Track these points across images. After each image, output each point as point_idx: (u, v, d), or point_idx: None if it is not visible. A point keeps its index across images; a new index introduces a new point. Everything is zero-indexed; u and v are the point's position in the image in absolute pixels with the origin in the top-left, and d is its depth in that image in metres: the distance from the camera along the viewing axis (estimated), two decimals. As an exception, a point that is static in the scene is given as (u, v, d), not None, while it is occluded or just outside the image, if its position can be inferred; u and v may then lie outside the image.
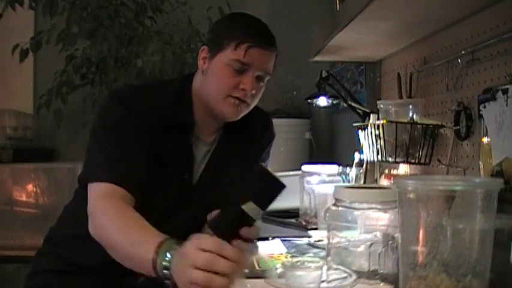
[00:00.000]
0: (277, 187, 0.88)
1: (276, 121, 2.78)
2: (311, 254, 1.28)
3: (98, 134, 1.21)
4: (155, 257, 0.94)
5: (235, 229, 0.88)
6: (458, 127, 1.40)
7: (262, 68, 1.23)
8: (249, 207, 0.87)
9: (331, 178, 1.71)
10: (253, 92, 1.23)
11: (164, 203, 1.23)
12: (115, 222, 1.10)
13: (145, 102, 1.23)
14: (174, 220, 1.28)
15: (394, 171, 1.83)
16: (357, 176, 1.88)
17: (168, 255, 0.93)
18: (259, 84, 1.25)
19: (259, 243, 1.35)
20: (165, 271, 0.92)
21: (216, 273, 0.84)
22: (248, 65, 1.21)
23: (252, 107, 1.28)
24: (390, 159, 1.58)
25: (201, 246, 0.85)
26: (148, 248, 0.96)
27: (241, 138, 1.33)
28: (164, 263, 0.92)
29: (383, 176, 1.86)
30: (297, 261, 0.93)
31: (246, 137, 1.34)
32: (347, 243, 1.06)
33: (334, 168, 1.78)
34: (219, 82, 1.22)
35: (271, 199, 0.88)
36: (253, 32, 1.21)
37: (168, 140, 1.22)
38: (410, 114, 1.58)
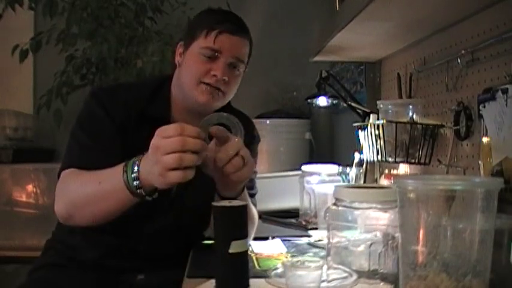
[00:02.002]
0: None
1: (276, 121, 2.85)
2: (311, 254, 1.29)
3: (75, 128, 1.26)
4: (125, 176, 1.02)
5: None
6: (458, 127, 1.40)
7: (233, 54, 1.25)
8: None
9: (331, 178, 1.71)
10: (226, 78, 1.24)
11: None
12: (76, 181, 1.15)
13: (118, 98, 1.27)
14: (156, 222, 1.29)
15: (394, 171, 1.83)
16: (356, 176, 1.88)
17: (135, 166, 1.01)
18: (233, 72, 1.27)
19: (259, 243, 1.36)
20: (135, 182, 1.00)
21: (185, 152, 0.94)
22: (219, 51, 1.24)
23: (227, 96, 1.29)
24: (390, 159, 1.58)
25: (165, 134, 0.95)
26: (115, 175, 1.04)
27: None
28: (134, 174, 1.01)
29: (383, 176, 1.86)
30: (297, 261, 0.93)
31: None
32: (347, 243, 1.06)
33: (334, 168, 1.78)
34: (191, 70, 1.25)
35: None
36: (222, 19, 1.25)
37: (143, 134, 1.23)
38: (410, 114, 1.58)
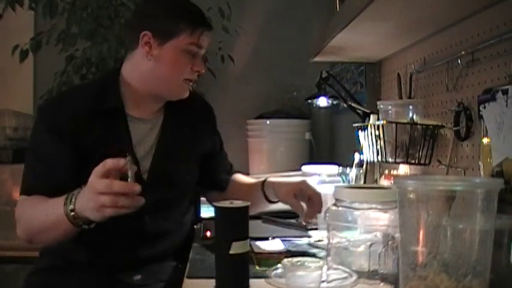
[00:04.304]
0: None
1: (276, 122, 2.86)
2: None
3: (27, 152, 1.30)
4: (65, 209, 1.10)
5: None
6: (458, 127, 1.40)
7: (205, 48, 1.34)
8: None
9: (331, 178, 1.71)
10: (203, 71, 1.35)
11: None
12: (29, 211, 1.23)
13: (64, 106, 1.29)
14: (149, 223, 1.31)
15: (394, 172, 1.83)
16: (357, 176, 1.88)
17: (73, 199, 1.09)
18: None
19: (260, 244, 1.36)
20: (72, 213, 1.09)
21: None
22: (200, 47, 1.31)
23: None
24: (390, 159, 1.58)
25: (98, 174, 1.02)
26: (59, 207, 1.11)
27: (185, 113, 1.41)
28: (71, 206, 1.09)
29: (383, 176, 1.86)
30: (297, 261, 0.93)
31: (189, 111, 1.43)
32: (347, 243, 1.06)
33: (334, 169, 1.78)
34: (176, 68, 1.31)
35: None
36: (202, 18, 1.33)
37: (98, 131, 1.26)
38: (410, 115, 1.58)
